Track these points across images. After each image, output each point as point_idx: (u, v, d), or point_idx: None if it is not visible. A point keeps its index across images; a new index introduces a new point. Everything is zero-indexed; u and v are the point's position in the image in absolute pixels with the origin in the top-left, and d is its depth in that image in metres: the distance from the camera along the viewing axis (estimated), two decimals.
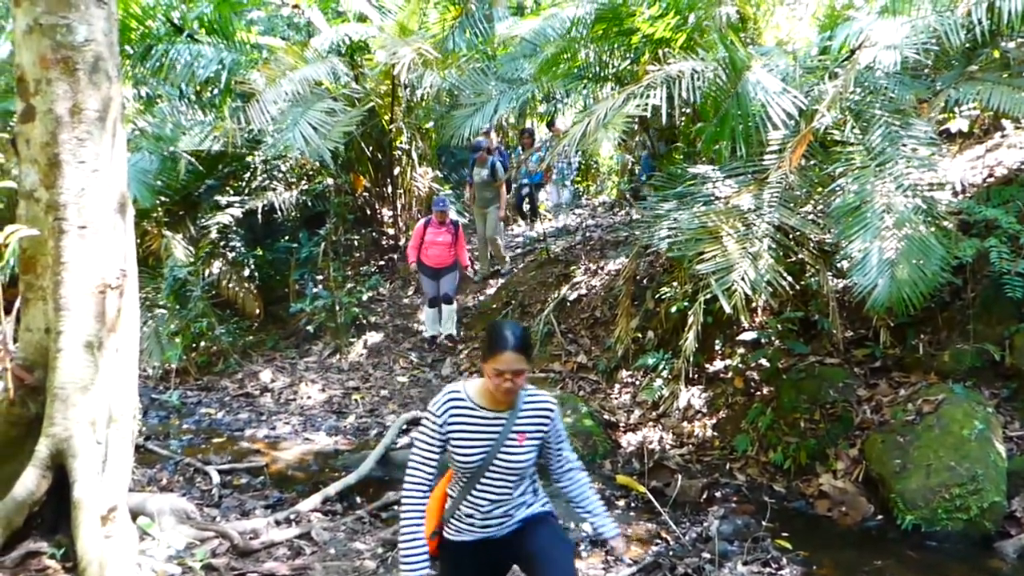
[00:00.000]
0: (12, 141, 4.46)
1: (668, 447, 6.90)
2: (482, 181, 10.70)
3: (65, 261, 4.26)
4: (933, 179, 5.56)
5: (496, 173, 10.63)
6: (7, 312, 4.54)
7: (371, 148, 11.76)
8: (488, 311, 10.28)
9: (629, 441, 7.14)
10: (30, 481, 4.07)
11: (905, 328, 6.41)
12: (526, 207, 13.07)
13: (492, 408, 2.84)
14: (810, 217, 6.29)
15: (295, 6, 12.02)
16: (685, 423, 7.12)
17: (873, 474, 5.60)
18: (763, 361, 6.77)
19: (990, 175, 7.11)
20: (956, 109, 7.05)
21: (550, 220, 13.40)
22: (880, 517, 5.44)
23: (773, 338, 6.83)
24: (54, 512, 4.24)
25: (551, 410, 3.02)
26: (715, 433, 6.88)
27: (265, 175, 12.03)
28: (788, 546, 4.93)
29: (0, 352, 4.35)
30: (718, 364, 7.45)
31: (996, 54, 6.39)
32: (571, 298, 9.45)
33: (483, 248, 11.32)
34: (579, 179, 13.68)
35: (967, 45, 6.17)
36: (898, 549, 5.03)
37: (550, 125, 13.04)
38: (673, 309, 7.23)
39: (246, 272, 11.39)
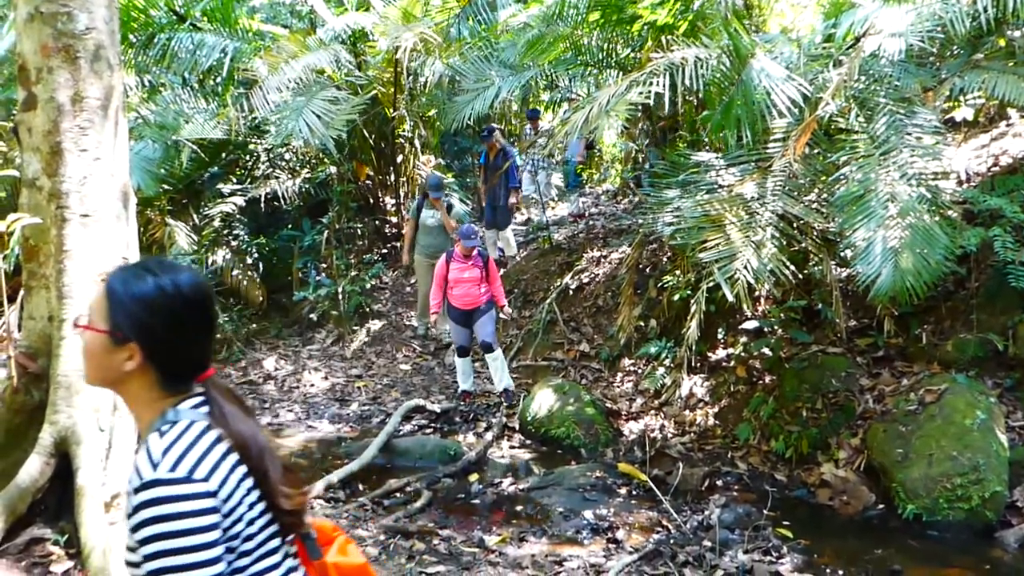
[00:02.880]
0: (14, 129, 4.45)
1: (670, 435, 6.91)
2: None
3: (68, 249, 4.27)
4: (937, 168, 5.53)
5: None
6: (11, 300, 4.55)
7: (374, 136, 11.74)
8: None
9: (631, 429, 7.15)
10: (34, 468, 4.09)
11: (908, 317, 6.40)
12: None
13: None
14: (814, 206, 6.28)
15: None
16: (687, 411, 7.12)
17: (875, 463, 5.60)
18: (765, 350, 6.77)
19: (995, 164, 7.08)
20: (961, 98, 7.01)
21: (553, 208, 13.37)
22: (881, 506, 5.45)
23: (776, 327, 6.83)
24: (58, 499, 4.26)
25: None
26: (717, 422, 6.89)
27: (268, 163, 12.02)
28: (789, 535, 4.95)
29: (4, 340, 4.37)
30: (720, 353, 7.45)
31: (1002, 42, 6.36)
32: (573, 286, 9.44)
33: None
34: (581, 167, 13.55)
35: (972, 33, 6.13)
36: (899, 538, 5.05)
37: (531, 119, 12.60)
38: (676, 297, 7.23)
39: (249, 260, 11.38)
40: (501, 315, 8.26)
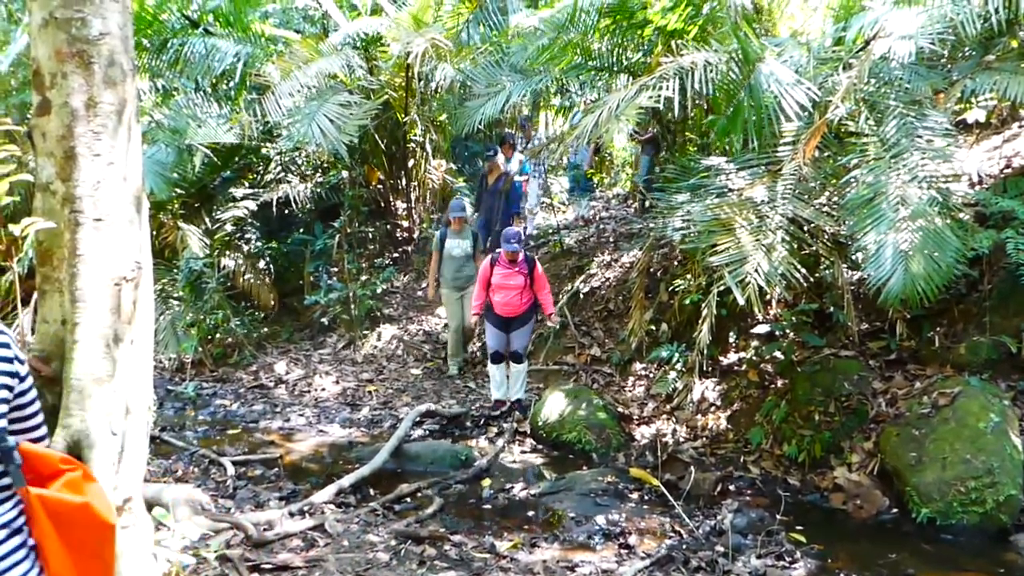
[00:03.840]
0: (28, 134, 4.48)
1: (682, 440, 6.90)
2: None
3: (81, 253, 4.28)
4: (949, 170, 5.51)
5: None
6: (24, 304, 4.58)
7: (385, 141, 11.78)
8: None
9: (643, 434, 7.14)
10: None
11: (921, 320, 6.38)
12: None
13: None
14: (824, 209, 6.26)
15: None
16: (699, 416, 7.11)
17: (888, 467, 5.57)
18: (777, 354, 6.74)
19: (1007, 166, 7.05)
20: (973, 99, 6.98)
21: (563, 212, 13.38)
22: (895, 510, 5.42)
23: (787, 330, 6.81)
24: None
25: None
26: (729, 426, 6.87)
27: (280, 168, 12.08)
28: (802, 539, 4.92)
29: (17, 343, 4.39)
30: (732, 357, 7.44)
31: (1014, 43, 6.33)
32: (584, 291, 9.44)
33: None
34: (591, 171, 13.52)
35: (984, 35, 6.11)
36: (913, 543, 5.02)
37: (521, 127, 12.24)
38: (687, 301, 7.22)
39: (261, 264, 11.44)
40: (548, 322, 7.99)
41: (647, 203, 11.66)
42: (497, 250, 7.70)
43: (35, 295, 4.60)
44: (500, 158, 10.73)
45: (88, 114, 4.31)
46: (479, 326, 8.26)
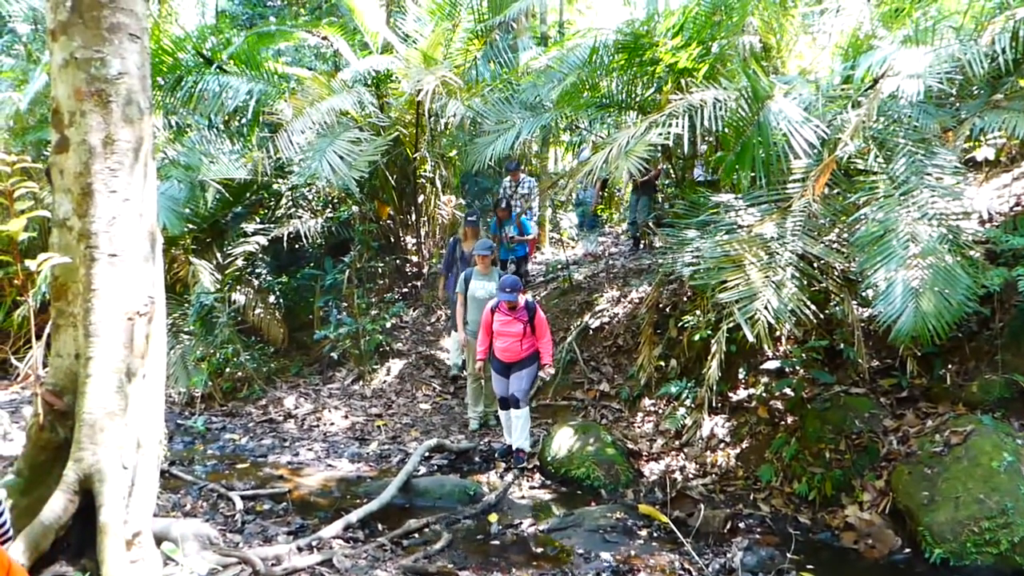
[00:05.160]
0: (46, 171, 4.55)
1: (691, 476, 6.85)
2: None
3: (95, 288, 4.34)
4: (958, 208, 5.53)
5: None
6: (38, 338, 4.62)
7: (395, 176, 11.88)
8: None
9: (652, 470, 7.10)
10: (58, 505, 4.11)
11: (932, 358, 6.35)
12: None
13: None
14: (834, 246, 6.27)
15: (324, 37, 12.21)
16: (708, 452, 7.07)
17: (900, 506, 5.52)
18: (787, 390, 6.72)
19: (1017, 203, 7.06)
20: (982, 137, 7.02)
21: (572, 248, 13.42)
22: (907, 550, 5.36)
23: (797, 367, 6.79)
24: (80, 536, 4.28)
25: None
26: (739, 463, 6.83)
27: (291, 203, 12.18)
28: None
29: (31, 378, 4.42)
30: (742, 393, 7.41)
31: (1022, 82, 6.37)
32: (594, 326, 9.44)
33: None
34: (600, 207, 13.58)
35: (991, 74, 6.17)
36: None
37: (512, 171, 11.42)
38: (696, 337, 7.22)
39: (271, 299, 11.49)
40: (541, 374, 7.47)
41: (641, 242, 11.76)
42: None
43: (48, 329, 4.65)
44: (480, 226, 10.04)
45: (105, 151, 4.39)
46: (485, 372, 8.01)
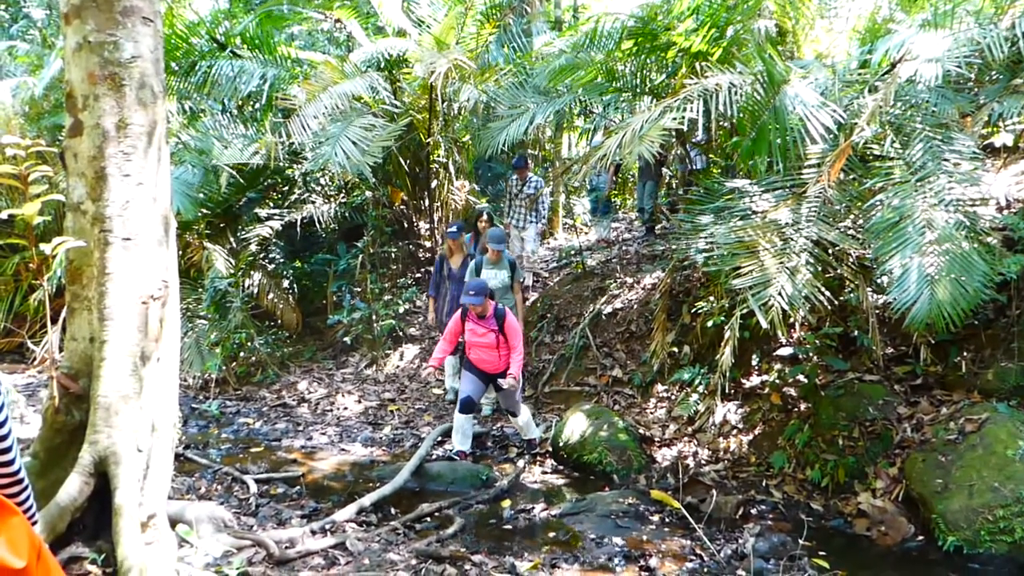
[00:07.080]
0: (60, 155, 4.57)
1: (703, 462, 6.85)
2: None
3: (110, 272, 4.36)
4: (976, 194, 5.47)
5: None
6: (54, 321, 4.65)
7: (409, 161, 11.87)
8: (524, 324, 10.28)
9: (664, 456, 7.10)
10: (73, 487, 4.15)
11: (947, 345, 6.31)
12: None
13: None
14: (849, 232, 6.23)
15: (337, 20, 12.17)
16: (721, 439, 7.06)
17: (913, 494, 5.50)
18: (801, 377, 6.70)
19: None
20: (1000, 123, 6.94)
21: (585, 234, 13.39)
22: (921, 538, 5.34)
23: (811, 354, 6.76)
24: (95, 518, 4.32)
25: None
26: (751, 449, 6.82)
27: (304, 188, 12.20)
28: (825, 565, 4.86)
29: (47, 361, 4.46)
30: (755, 379, 7.39)
31: None
32: (606, 312, 9.43)
33: None
34: (612, 192, 13.50)
35: (1011, 58, 6.08)
36: (940, 571, 4.93)
37: (518, 168, 11.04)
38: (709, 324, 7.20)
39: (285, 284, 11.54)
40: (501, 381, 6.87)
41: (654, 227, 11.70)
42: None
43: (63, 313, 4.68)
44: (464, 237, 9.42)
45: (119, 135, 4.40)
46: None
